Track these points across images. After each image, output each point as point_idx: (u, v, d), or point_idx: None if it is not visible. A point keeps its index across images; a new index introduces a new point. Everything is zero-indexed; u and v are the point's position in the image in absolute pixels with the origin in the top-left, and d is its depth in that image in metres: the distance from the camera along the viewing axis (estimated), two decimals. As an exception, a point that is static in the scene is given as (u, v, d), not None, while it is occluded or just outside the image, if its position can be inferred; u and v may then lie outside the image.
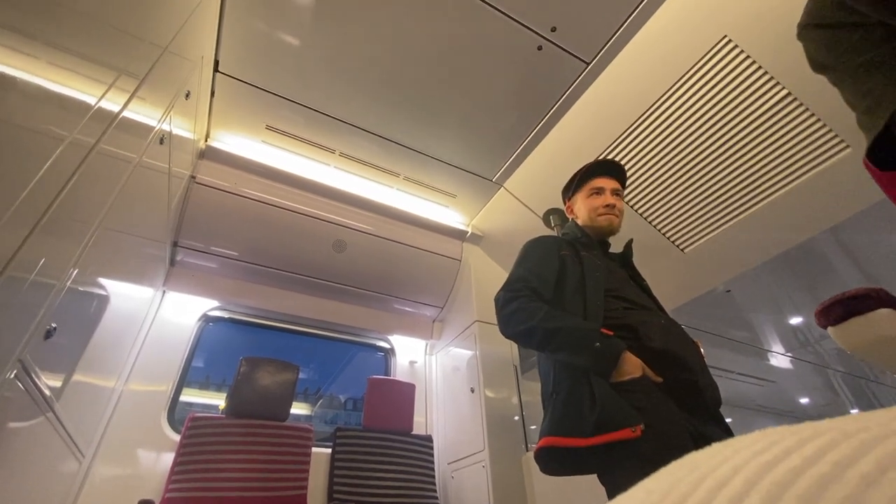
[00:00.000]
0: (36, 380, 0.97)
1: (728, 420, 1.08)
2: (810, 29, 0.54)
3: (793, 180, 1.75)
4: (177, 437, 1.87)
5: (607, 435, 0.91)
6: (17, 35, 0.65)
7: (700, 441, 0.92)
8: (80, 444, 1.46)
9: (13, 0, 0.62)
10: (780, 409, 5.20)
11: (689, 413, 0.98)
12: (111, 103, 1.00)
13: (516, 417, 2.25)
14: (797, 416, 5.37)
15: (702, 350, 1.14)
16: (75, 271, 1.04)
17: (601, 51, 1.75)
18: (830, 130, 1.58)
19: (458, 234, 2.73)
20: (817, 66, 0.56)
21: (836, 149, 1.61)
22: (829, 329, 1.13)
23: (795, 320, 3.44)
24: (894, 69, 0.42)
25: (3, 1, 0.58)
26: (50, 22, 0.74)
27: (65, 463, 1.41)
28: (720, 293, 2.88)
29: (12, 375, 0.86)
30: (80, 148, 0.90)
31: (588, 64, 1.80)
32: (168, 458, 1.82)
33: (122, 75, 1.04)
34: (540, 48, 1.75)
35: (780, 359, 3.98)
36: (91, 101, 0.92)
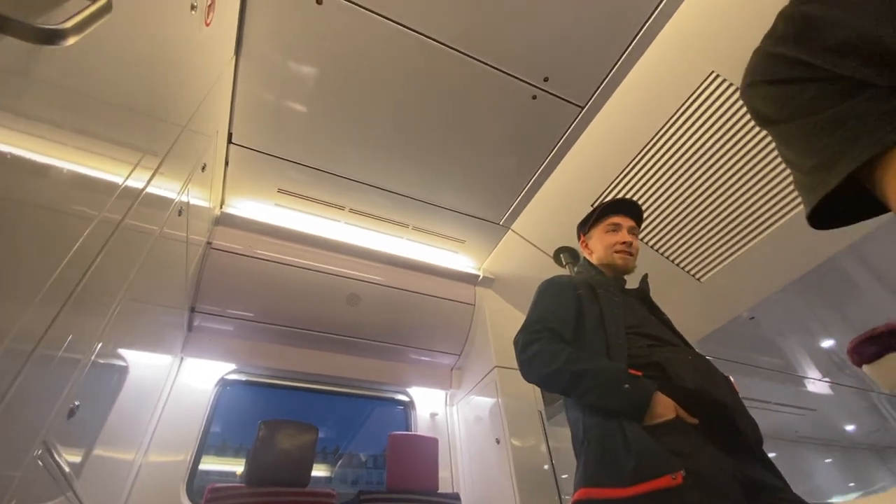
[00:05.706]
0: (57, 458, 0.96)
1: (771, 455, 1.02)
2: (758, 86, 0.49)
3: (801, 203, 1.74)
4: (195, 511, 1.80)
5: (646, 484, 0.85)
6: (48, 126, 0.70)
7: (748, 487, 0.86)
8: (98, 525, 1.41)
9: (46, 94, 0.66)
10: (826, 438, 4.86)
11: (731, 455, 0.92)
12: (136, 181, 1.06)
13: (546, 467, 2.13)
14: (844, 445, 5.00)
15: (735, 385, 1.09)
16: (99, 345, 1.05)
17: (594, 95, 1.82)
18: (831, 151, 1.60)
19: (470, 279, 2.73)
20: (764, 120, 0.51)
21: (840, 168, 1.62)
22: (865, 367, 1.11)
23: (827, 343, 3.30)
24: (860, 124, 0.39)
25: (36, 94, 0.63)
26: (80, 111, 0.80)
27: (83, 546, 1.35)
28: (744, 321, 2.79)
29: (36, 456, 0.86)
30: (107, 225, 0.94)
31: (582, 108, 1.87)
32: (186, 535, 1.74)
33: (147, 155, 1.11)
34: (534, 97, 1.83)
35: (817, 385, 3.77)
36: (118, 180, 0.97)
